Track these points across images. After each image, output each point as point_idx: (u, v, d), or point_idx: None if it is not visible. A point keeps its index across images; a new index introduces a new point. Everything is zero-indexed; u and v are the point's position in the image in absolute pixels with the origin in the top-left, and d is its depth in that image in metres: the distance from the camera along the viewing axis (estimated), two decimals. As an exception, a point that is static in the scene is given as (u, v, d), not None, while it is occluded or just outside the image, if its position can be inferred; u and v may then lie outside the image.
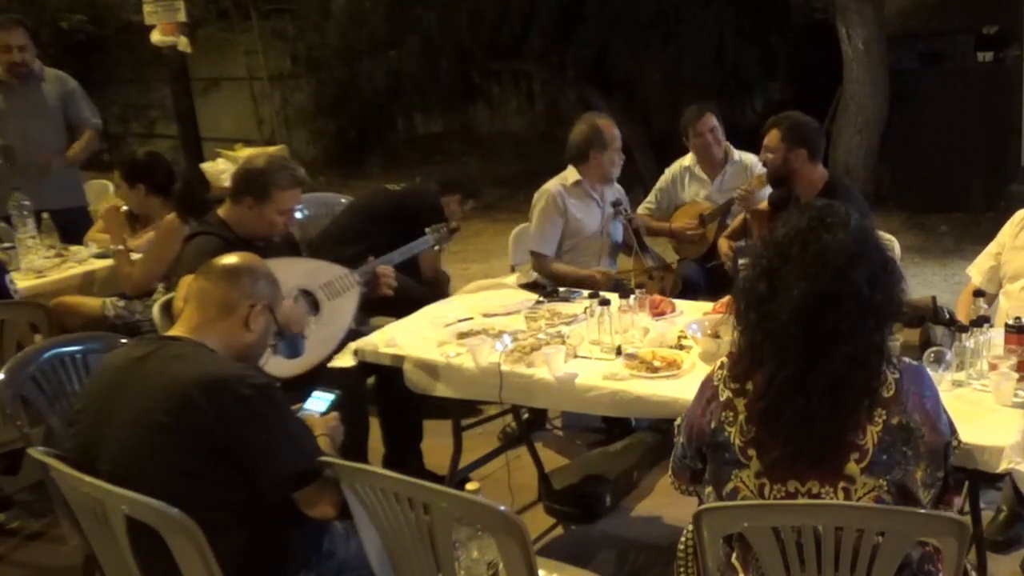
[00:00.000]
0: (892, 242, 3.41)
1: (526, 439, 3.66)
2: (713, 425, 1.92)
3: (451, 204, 4.38)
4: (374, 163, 11.23)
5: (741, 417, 1.88)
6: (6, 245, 4.41)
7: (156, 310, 3.37)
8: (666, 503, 3.51)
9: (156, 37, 8.33)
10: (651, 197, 4.75)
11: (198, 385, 2.00)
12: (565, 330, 3.06)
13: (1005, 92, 7.05)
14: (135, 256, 4.12)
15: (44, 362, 2.70)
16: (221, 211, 3.32)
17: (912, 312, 2.60)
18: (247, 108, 11.76)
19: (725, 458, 1.90)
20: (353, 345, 3.16)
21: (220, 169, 6.63)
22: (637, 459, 3.74)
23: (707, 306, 3.20)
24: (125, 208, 4.35)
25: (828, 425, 1.80)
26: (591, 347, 2.90)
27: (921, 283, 5.75)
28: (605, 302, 2.92)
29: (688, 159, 4.65)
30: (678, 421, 2.13)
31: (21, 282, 3.95)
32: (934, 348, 2.46)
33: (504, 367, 2.79)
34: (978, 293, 2.92)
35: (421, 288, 4.17)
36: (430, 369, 2.95)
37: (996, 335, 2.55)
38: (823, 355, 1.79)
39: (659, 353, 2.77)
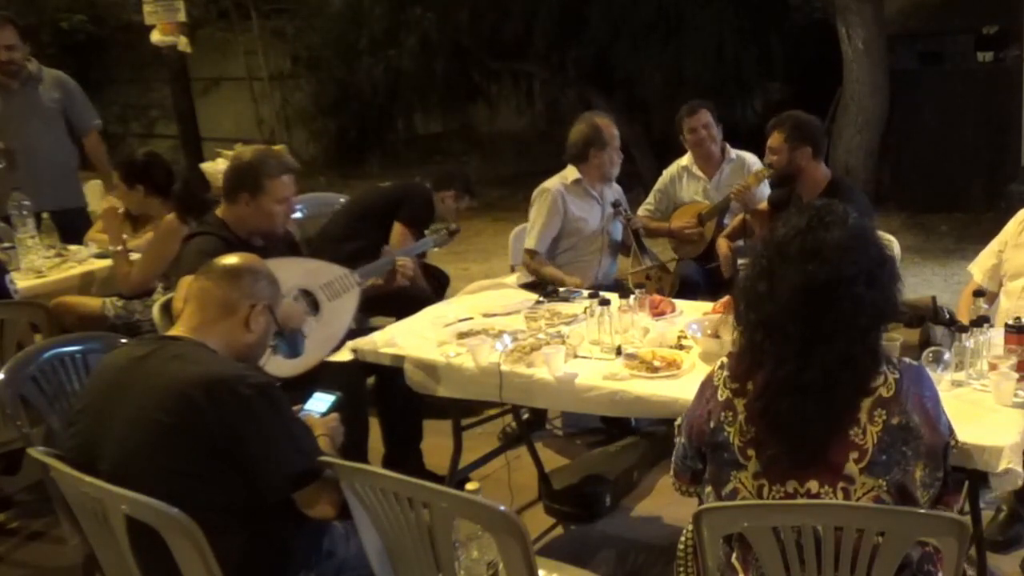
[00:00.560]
0: (892, 242, 3.41)
1: (526, 439, 3.66)
2: (712, 425, 1.92)
3: (446, 200, 4.38)
4: (374, 163, 11.23)
5: (741, 417, 1.88)
6: (6, 245, 4.41)
7: (156, 310, 3.37)
8: (666, 503, 3.51)
9: (156, 37, 8.32)
10: (650, 198, 4.75)
11: (198, 385, 2.00)
12: (565, 330, 3.06)
13: (1005, 92, 7.05)
14: (134, 256, 4.12)
15: (44, 362, 2.70)
16: (219, 211, 3.32)
17: (912, 312, 2.61)
18: (247, 108, 11.76)
19: (724, 458, 1.91)
20: (351, 344, 3.16)
21: (220, 169, 6.59)
22: (637, 459, 3.75)
23: (707, 306, 3.20)
24: (122, 209, 4.35)
25: (822, 424, 1.80)
26: (591, 347, 2.90)
27: (921, 283, 5.75)
28: (605, 302, 2.92)
29: (686, 159, 4.66)
30: (678, 421, 2.13)
31: (21, 282, 3.95)
32: (932, 348, 2.47)
33: (504, 367, 2.79)
34: (978, 293, 2.91)
35: (422, 288, 4.18)
36: (430, 369, 2.95)
37: (996, 335, 2.55)
38: (817, 352, 1.79)
39: (659, 353, 2.77)
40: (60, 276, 4.22)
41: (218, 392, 2.01)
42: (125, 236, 4.26)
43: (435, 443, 3.61)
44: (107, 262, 4.26)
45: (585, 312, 3.10)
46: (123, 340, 2.75)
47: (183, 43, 8.35)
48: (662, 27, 8.28)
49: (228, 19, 11.24)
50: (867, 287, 1.81)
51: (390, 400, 3.54)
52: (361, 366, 3.17)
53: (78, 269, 4.29)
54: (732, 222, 4.32)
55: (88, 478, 1.97)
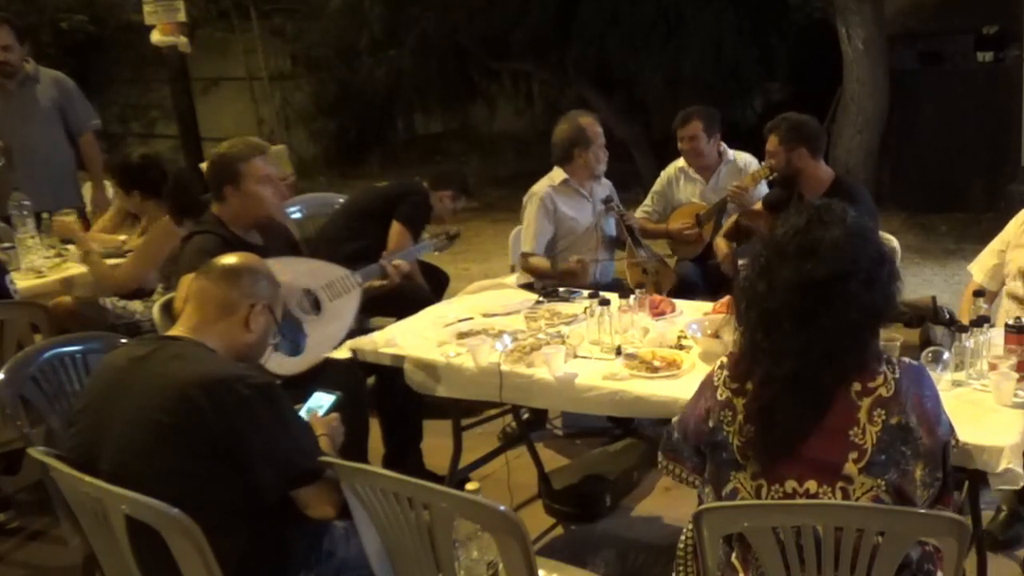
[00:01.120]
0: (892, 242, 3.41)
1: (526, 439, 3.66)
2: (712, 424, 1.93)
3: (444, 200, 4.38)
4: (374, 163, 11.23)
5: (740, 417, 1.88)
6: (6, 245, 4.41)
7: (156, 310, 3.37)
8: (666, 503, 3.51)
9: (156, 37, 8.32)
10: (648, 200, 4.76)
11: (198, 385, 2.00)
12: (565, 330, 3.06)
13: (1005, 92, 7.05)
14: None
15: (44, 362, 2.71)
16: (215, 209, 3.32)
17: (912, 312, 2.61)
18: (247, 108, 11.76)
19: (723, 458, 1.91)
20: (351, 344, 3.16)
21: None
22: (637, 459, 3.75)
23: (706, 306, 3.20)
24: (113, 210, 4.35)
25: (798, 415, 1.81)
26: (591, 347, 2.90)
27: (921, 283, 5.75)
28: (605, 302, 2.92)
29: (683, 161, 4.66)
30: (675, 419, 2.13)
31: (21, 282, 3.95)
32: (932, 348, 2.47)
33: (504, 367, 2.79)
34: (978, 293, 2.92)
35: (423, 288, 4.19)
36: (430, 369, 2.95)
37: (996, 335, 2.55)
38: (810, 350, 1.79)
39: (659, 353, 2.77)
40: (60, 276, 4.21)
41: (218, 392, 2.01)
42: (124, 237, 4.26)
43: (435, 443, 3.61)
44: (108, 262, 4.25)
45: (585, 312, 3.10)
46: (123, 340, 2.75)
47: (183, 43, 8.35)
48: (662, 27, 8.28)
49: (228, 19, 11.24)
50: (864, 285, 1.82)
51: (390, 400, 3.54)
52: (361, 366, 3.17)
53: (78, 269, 4.28)
54: (727, 222, 4.32)
55: (88, 478, 1.97)
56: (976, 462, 2.11)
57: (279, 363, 2.91)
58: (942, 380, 2.35)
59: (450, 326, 3.20)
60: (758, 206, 4.15)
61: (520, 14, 8.68)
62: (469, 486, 1.88)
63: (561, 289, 3.54)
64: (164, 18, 8.16)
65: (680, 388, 2.52)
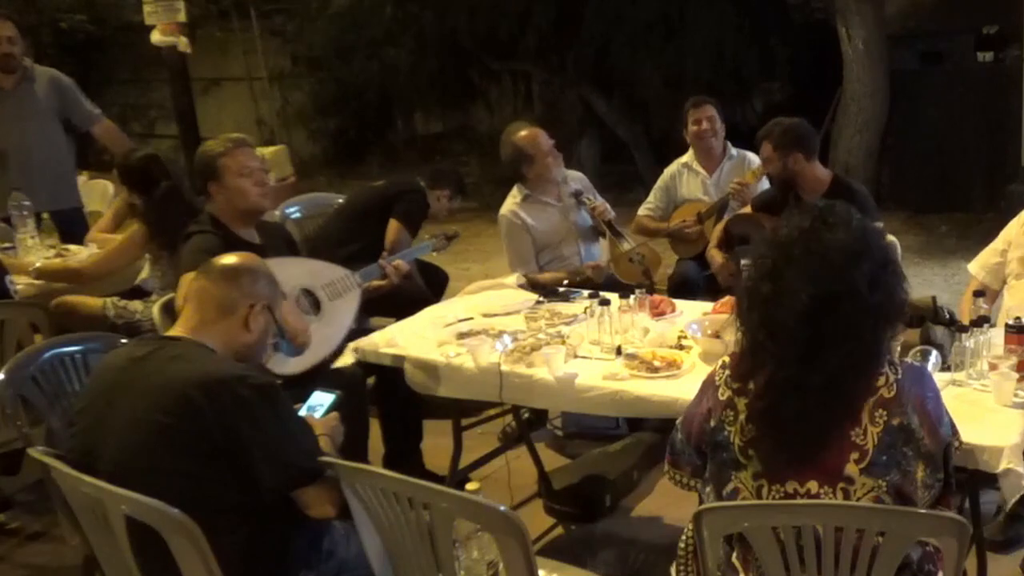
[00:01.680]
0: (893, 242, 3.41)
1: (526, 439, 3.66)
2: (713, 424, 1.93)
3: (441, 199, 4.39)
4: (373, 163, 11.22)
5: (742, 417, 1.88)
6: (6, 245, 4.41)
7: (156, 310, 3.37)
8: (666, 503, 3.51)
9: (156, 37, 8.33)
10: (651, 197, 4.75)
11: (198, 385, 2.00)
12: (565, 330, 3.06)
13: (1005, 92, 7.04)
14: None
15: (44, 362, 2.70)
16: (208, 208, 3.33)
17: (912, 312, 2.60)
18: (247, 108, 11.76)
19: (724, 458, 1.91)
20: (353, 345, 3.16)
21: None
22: (637, 459, 3.74)
23: (707, 306, 3.20)
24: (113, 210, 4.39)
25: (822, 425, 1.80)
26: (591, 347, 2.90)
27: (921, 283, 5.74)
28: (605, 302, 2.92)
29: (686, 156, 4.66)
30: (679, 420, 2.13)
31: (21, 282, 3.95)
32: (919, 347, 2.46)
33: (504, 367, 2.79)
34: (978, 293, 2.92)
35: (422, 288, 4.18)
36: (430, 369, 2.95)
37: (996, 335, 2.55)
38: (822, 355, 1.79)
39: (659, 353, 2.77)
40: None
41: (218, 392, 2.01)
42: (123, 237, 4.25)
43: (435, 443, 3.61)
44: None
45: (585, 312, 3.10)
46: (123, 340, 2.75)
47: (183, 43, 8.36)
48: (662, 27, 8.28)
49: (228, 19, 11.24)
50: (871, 290, 1.81)
51: (390, 400, 3.54)
52: (361, 366, 3.17)
53: (76, 264, 4.28)
54: (715, 230, 4.28)
55: (88, 478, 1.97)
56: (976, 462, 2.11)
57: (279, 363, 2.91)
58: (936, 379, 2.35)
59: (450, 326, 3.20)
60: (747, 209, 4.16)
61: (521, 14, 8.67)
62: (469, 486, 1.88)
63: (561, 289, 3.54)
64: (164, 18, 8.18)
65: (680, 388, 2.52)
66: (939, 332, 2.59)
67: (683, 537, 2.14)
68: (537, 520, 3.43)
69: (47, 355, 2.72)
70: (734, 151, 4.60)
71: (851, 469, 1.80)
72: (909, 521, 1.74)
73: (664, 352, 2.78)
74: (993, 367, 2.39)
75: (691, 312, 3.17)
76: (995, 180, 7.30)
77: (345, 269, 3.44)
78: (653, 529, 3.41)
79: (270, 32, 11.19)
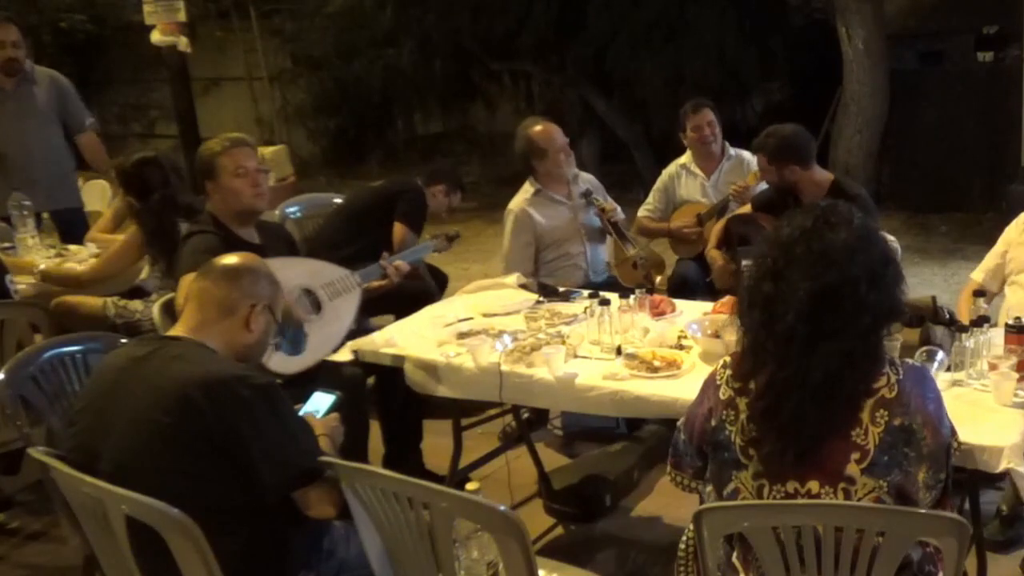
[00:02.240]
0: (893, 242, 3.42)
1: (526, 439, 3.66)
2: (714, 423, 1.93)
3: (437, 195, 4.39)
4: (373, 163, 11.22)
5: (743, 416, 1.88)
6: (6, 245, 4.41)
7: (156, 310, 3.37)
8: (666, 503, 3.51)
9: (156, 37, 8.33)
10: (650, 198, 4.75)
11: (198, 386, 2.00)
12: (565, 330, 3.06)
13: (1005, 92, 7.05)
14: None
15: (44, 362, 2.70)
16: (208, 207, 3.33)
17: (912, 312, 2.60)
18: (247, 107, 11.75)
19: (725, 458, 1.91)
20: (352, 344, 3.16)
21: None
22: (637, 459, 3.75)
23: (707, 306, 3.20)
24: (112, 210, 4.38)
25: (821, 424, 1.80)
26: (591, 347, 2.90)
27: (921, 283, 5.74)
28: (605, 302, 2.92)
29: (684, 157, 4.66)
30: (681, 421, 2.13)
31: (21, 282, 3.95)
32: (925, 347, 2.46)
33: (504, 367, 2.79)
34: (978, 293, 2.92)
35: (426, 284, 4.19)
36: (430, 369, 2.95)
37: (996, 335, 2.55)
38: (819, 352, 1.79)
39: (659, 353, 2.77)
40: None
41: (218, 393, 2.01)
42: (123, 237, 4.25)
43: (435, 443, 3.62)
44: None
45: (585, 312, 3.10)
46: (123, 340, 2.75)
47: (183, 43, 8.36)
48: (662, 27, 8.28)
49: (228, 19, 11.24)
50: (870, 288, 1.81)
51: (390, 400, 3.54)
52: (361, 366, 3.17)
53: (78, 270, 4.28)
54: (714, 230, 4.28)
55: (88, 478, 1.97)
56: (976, 462, 2.11)
57: (280, 363, 2.91)
58: (938, 379, 2.35)
59: (450, 326, 3.20)
60: (747, 208, 4.15)
61: (521, 15, 8.67)
62: (469, 486, 1.88)
63: (561, 289, 3.54)
64: (164, 18, 8.17)
65: (680, 388, 2.52)
66: (939, 332, 2.59)
67: (684, 537, 2.14)
68: (537, 520, 3.43)
69: (47, 355, 2.72)
70: (732, 151, 4.60)
71: (852, 469, 1.80)
72: (909, 521, 1.74)
73: (664, 352, 2.78)
74: (993, 367, 2.39)
75: (691, 312, 3.17)
76: (995, 180, 7.30)
77: (345, 269, 3.44)
78: (653, 529, 3.41)
79: (270, 32, 11.18)
